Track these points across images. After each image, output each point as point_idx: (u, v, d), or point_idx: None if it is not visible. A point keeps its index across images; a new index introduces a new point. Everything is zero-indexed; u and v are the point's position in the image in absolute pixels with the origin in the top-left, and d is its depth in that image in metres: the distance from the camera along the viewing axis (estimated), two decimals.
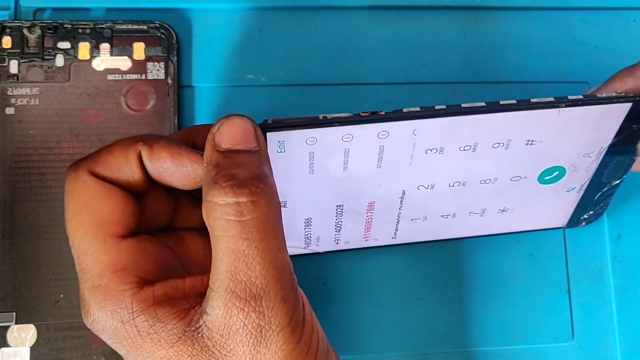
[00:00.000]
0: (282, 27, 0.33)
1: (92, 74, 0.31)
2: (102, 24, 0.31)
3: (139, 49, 0.31)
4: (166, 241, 0.24)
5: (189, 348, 0.21)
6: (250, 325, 0.21)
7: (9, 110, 0.30)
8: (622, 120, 0.26)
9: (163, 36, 0.31)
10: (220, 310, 0.21)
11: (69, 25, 0.30)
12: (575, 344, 0.32)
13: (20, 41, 0.30)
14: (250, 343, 0.21)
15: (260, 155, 0.22)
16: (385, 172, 0.26)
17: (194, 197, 0.26)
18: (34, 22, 0.30)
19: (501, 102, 0.24)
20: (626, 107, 0.26)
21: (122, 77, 0.31)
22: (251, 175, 0.21)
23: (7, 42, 0.30)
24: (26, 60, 0.30)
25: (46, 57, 0.30)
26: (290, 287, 0.22)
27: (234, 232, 0.21)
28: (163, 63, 0.31)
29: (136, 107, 0.30)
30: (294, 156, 0.25)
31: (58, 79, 0.30)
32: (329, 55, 0.33)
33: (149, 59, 0.31)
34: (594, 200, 0.30)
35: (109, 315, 0.22)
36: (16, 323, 0.29)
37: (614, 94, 0.26)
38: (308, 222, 0.28)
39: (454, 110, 0.24)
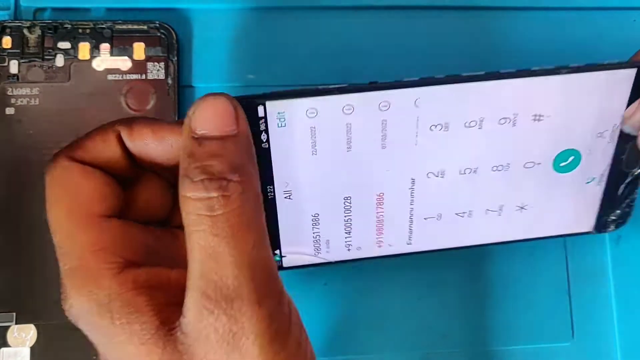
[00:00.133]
0: (282, 27, 0.33)
1: (92, 74, 0.31)
2: (102, 24, 0.31)
3: (139, 49, 0.31)
4: (160, 235, 0.23)
5: (160, 350, 0.19)
6: (222, 329, 0.19)
7: (9, 110, 0.30)
8: (630, 90, 0.25)
9: (163, 36, 0.31)
10: (192, 312, 0.19)
11: (69, 25, 0.30)
12: (575, 344, 0.32)
13: (20, 41, 0.30)
14: (222, 351, 0.19)
15: (238, 140, 0.20)
16: (391, 154, 0.25)
17: None
18: (34, 22, 0.30)
19: (501, 71, 0.24)
20: (631, 74, 0.25)
21: (122, 77, 0.31)
22: (226, 167, 0.20)
23: (7, 42, 0.30)
24: (26, 60, 0.30)
25: (46, 57, 0.30)
26: (269, 290, 0.20)
27: (205, 227, 0.19)
28: (163, 63, 0.31)
29: (136, 107, 0.30)
30: (295, 132, 0.24)
31: (58, 79, 0.30)
32: (329, 55, 0.33)
33: (149, 59, 0.31)
34: (619, 196, 0.28)
35: (85, 298, 0.20)
36: (16, 323, 0.29)
37: (617, 61, 0.25)
38: (316, 220, 0.26)
39: (455, 79, 0.24)
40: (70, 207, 0.21)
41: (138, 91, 0.31)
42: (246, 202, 0.20)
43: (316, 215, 0.26)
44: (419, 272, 0.32)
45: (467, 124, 0.25)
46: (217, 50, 0.32)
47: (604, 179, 0.28)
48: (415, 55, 0.33)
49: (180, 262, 0.22)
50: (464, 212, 0.27)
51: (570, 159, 0.27)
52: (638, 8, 0.35)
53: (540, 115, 0.25)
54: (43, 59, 0.30)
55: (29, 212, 0.29)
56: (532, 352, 0.32)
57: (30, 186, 0.30)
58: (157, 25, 0.31)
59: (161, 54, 0.31)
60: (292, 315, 0.21)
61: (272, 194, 0.25)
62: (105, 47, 0.31)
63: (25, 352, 0.29)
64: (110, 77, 0.31)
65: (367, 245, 0.27)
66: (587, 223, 0.29)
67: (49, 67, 0.30)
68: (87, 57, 0.30)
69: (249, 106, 0.22)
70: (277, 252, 0.26)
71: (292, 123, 0.24)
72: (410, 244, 0.28)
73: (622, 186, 0.28)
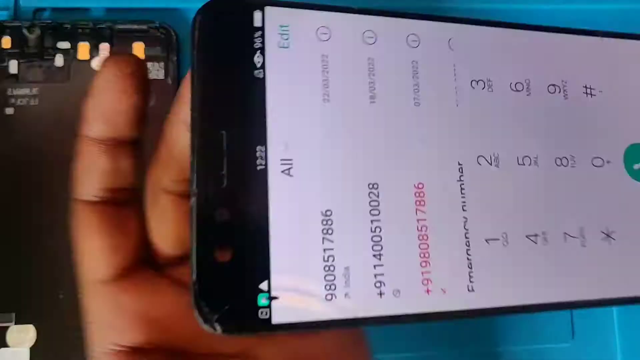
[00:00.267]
0: None
1: (92, 74, 0.30)
2: (102, 24, 0.30)
3: (138, 49, 0.31)
4: None
5: None
6: None
7: (9, 111, 0.30)
8: None
9: (163, 36, 0.31)
10: None
11: (69, 25, 0.30)
12: (576, 344, 0.32)
13: (19, 41, 0.30)
14: None
15: None
16: (428, 116, 0.19)
17: None
18: (34, 22, 0.30)
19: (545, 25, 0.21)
20: None
21: None
22: None
23: (6, 42, 0.30)
24: (26, 60, 0.30)
25: (46, 57, 0.30)
26: None
27: None
28: (163, 63, 0.31)
29: None
30: (302, 59, 0.18)
31: (58, 79, 0.30)
32: None
33: (148, 59, 0.31)
34: None
35: None
36: (16, 323, 0.29)
37: None
38: (327, 225, 0.17)
39: (495, 23, 0.21)
40: None
41: None
42: None
43: (328, 213, 0.17)
44: None
45: (512, 86, 0.20)
46: None
47: None
48: None
49: None
50: (536, 234, 0.20)
51: None
52: (638, 8, 0.35)
53: (591, 88, 0.21)
54: (42, 59, 0.30)
55: (28, 212, 0.29)
56: (532, 352, 0.32)
57: (30, 186, 0.30)
58: (157, 25, 0.31)
59: (161, 54, 0.31)
60: None
61: (264, 162, 0.17)
62: (104, 47, 0.31)
63: (25, 353, 0.29)
64: None
65: (408, 285, 0.18)
66: None
67: (48, 67, 0.30)
68: (87, 57, 0.30)
69: (240, 10, 0.17)
70: (265, 285, 0.16)
71: (298, 44, 0.18)
72: (472, 290, 0.18)
73: None
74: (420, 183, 0.18)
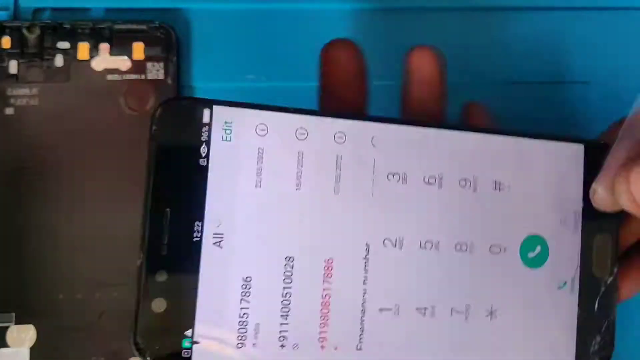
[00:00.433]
0: (282, 27, 0.32)
1: (92, 74, 0.30)
2: (102, 24, 0.30)
3: (138, 49, 0.31)
4: None
5: None
6: None
7: (9, 111, 0.30)
8: (582, 172, 0.24)
9: (163, 36, 0.31)
10: None
11: (69, 25, 0.30)
12: None
13: (19, 41, 0.30)
14: None
15: None
16: (345, 202, 0.22)
17: None
18: (34, 22, 0.30)
19: (459, 124, 0.24)
20: (579, 152, 0.25)
21: (121, 77, 0.31)
22: None
23: (6, 42, 0.30)
24: (25, 60, 0.30)
25: (45, 57, 0.30)
26: None
27: None
28: (163, 63, 0.31)
29: (136, 107, 0.30)
30: (241, 151, 0.21)
31: (57, 79, 0.30)
32: None
33: (148, 59, 0.31)
34: (595, 313, 0.25)
35: None
36: (16, 323, 0.29)
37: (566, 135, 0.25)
38: (246, 288, 0.21)
39: (415, 122, 0.23)
40: None
41: (137, 91, 0.30)
42: None
43: (248, 279, 0.21)
44: None
45: (426, 179, 0.23)
46: (217, 50, 0.32)
47: (576, 284, 0.25)
48: None
49: None
50: (425, 308, 0.23)
51: (538, 249, 0.24)
52: (638, 8, 0.34)
53: (500, 184, 0.24)
54: (42, 59, 0.30)
55: (28, 212, 0.29)
56: None
57: (30, 186, 0.30)
58: (157, 25, 0.31)
59: (161, 54, 0.31)
60: None
61: (199, 235, 0.20)
62: (104, 47, 0.31)
63: (25, 353, 0.29)
64: (109, 77, 0.30)
65: (306, 341, 0.21)
66: (566, 350, 0.24)
67: (48, 67, 0.30)
68: (87, 57, 0.30)
69: (192, 108, 0.20)
70: (189, 332, 0.20)
71: (238, 138, 0.21)
72: (360, 348, 0.22)
73: (598, 299, 0.25)
74: (330, 259, 0.22)
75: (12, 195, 0.30)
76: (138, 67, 0.31)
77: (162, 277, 0.20)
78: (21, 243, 0.29)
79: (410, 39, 0.33)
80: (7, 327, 0.29)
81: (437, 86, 0.25)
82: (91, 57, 0.31)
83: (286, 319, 0.21)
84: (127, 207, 0.30)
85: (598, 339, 0.25)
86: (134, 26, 0.31)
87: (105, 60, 0.31)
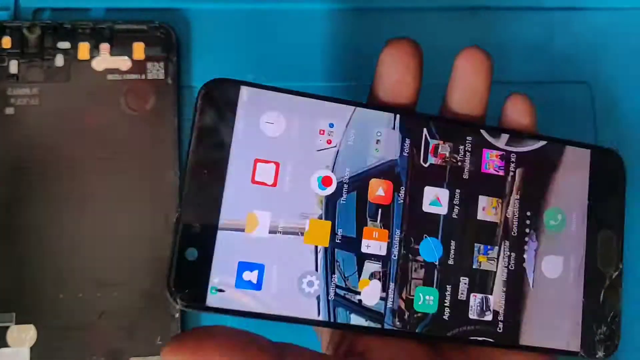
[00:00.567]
0: (282, 27, 0.33)
1: (92, 74, 0.31)
2: (102, 24, 0.31)
3: (138, 49, 0.31)
4: None
5: None
6: None
7: (9, 110, 0.30)
8: (588, 176, 0.26)
9: (163, 36, 0.31)
10: None
11: (69, 25, 0.30)
12: None
13: (20, 41, 0.30)
14: None
15: None
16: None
17: None
18: (34, 22, 0.30)
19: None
20: (586, 156, 0.26)
21: (121, 77, 0.31)
22: None
23: (6, 42, 0.30)
24: (26, 60, 0.30)
25: (46, 57, 0.30)
26: None
27: None
28: (163, 63, 0.31)
29: (136, 107, 0.30)
30: (265, 126, 0.24)
31: (58, 79, 0.30)
32: (329, 55, 0.33)
33: (148, 59, 0.31)
34: (601, 304, 0.26)
35: None
36: (16, 323, 0.29)
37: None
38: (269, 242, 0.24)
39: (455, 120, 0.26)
40: None
41: (138, 91, 0.30)
42: None
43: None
44: None
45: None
46: (217, 50, 0.32)
47: (582, 272, 0.26)
48: None
49: None
50: None
51: (559, 217, 0.26)
52: (638, 8, 0.34)
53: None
54: (43, 59, 0.30)
55: (29, 212, 0.29)
56: None
57: (30, 186, 0.30)
58: (157, 25, 0.31)
59: (161, 54, 0.31)
60: None
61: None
62: (104, 47, 0.31)
63: (25, 352, 0.29)
64: (110, 77, 0.31)
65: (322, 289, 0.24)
66: (573, 336, 0.26)
67: (48, 67, 0.30)
68: (87, 57, 0.30)
69: (230, 88, 0.24)
70: (216, 281, 0.23)
71: (266, 117, 0.24)
72: None
73: (603, 292, 0.26)
74: None
75: (12, 195, 0.30)
76: (138, 67, 0.31)
77: (195, 229, 0.23)
78: (21, 243, 0.29)
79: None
80: (7, 327, 0.29)
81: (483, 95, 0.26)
82: (91, 57, 0.31)
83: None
84: (127, 207, 0.30)
85: (604, 329, 0.26)
86: (134, 26, 0.31)
87: (105, 60, 0.31)
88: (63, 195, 0.30)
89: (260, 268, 0.23)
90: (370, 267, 0.24)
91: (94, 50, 0.31)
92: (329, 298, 0.23)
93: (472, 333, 0.24)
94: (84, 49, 0.30)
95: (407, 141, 0.25)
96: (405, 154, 0.25)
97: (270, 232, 0.23)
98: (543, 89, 0.33)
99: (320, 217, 0.24)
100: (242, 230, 0.23)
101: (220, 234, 0.23)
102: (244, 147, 0.23)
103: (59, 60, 0.30)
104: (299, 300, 0.23)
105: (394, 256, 0.24)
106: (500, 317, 0.25)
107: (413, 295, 0.24)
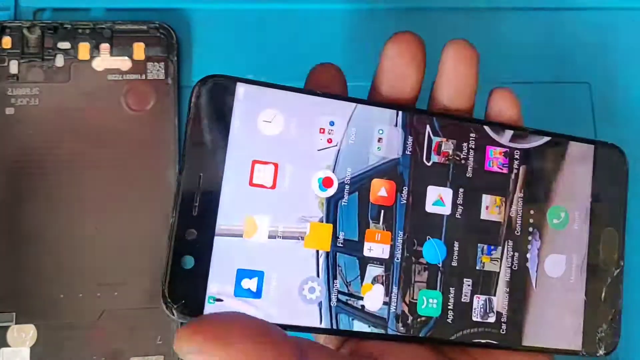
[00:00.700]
0: (282, 27, 0.33)
1: (92, 74, 0.31)
2: (102, 24, 0.31)
3: (138, 49, 0.31)
4: None
5: None
6: None
7: (9, 110, 0.30)
8: (591, 172, 0.26)
9: (163, 36, 0.31)
10: None
11: (69, 26, 0.30)
12: None
13: (20, 41, 0.30)
14: None
15: None
16: None
17: None
18: (34, 22, 0.30)
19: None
20: (590, 152, 0.26)
21: (122, 77, 0.31)
22: None
23: (7, 42, 0.30)
24: (26, 60, 0.30)
25: (46, 57, 0.30)
26: None
27: None
28: (163, 63, 0.31)
29: (136, 107, 0.30)
30: (261, 125, 0.23)
31: (58, 79, 0.30)
32: (329, 55, 0.33)
33: (149, 59, 0.31)
34: (602, 302, 0.26)
35: None
36: (16, 323, 0.29)
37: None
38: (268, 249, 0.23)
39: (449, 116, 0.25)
40: None
41: (138, 91, 0.31)
42: None
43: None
44: None
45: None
46: (217, 50, 0.32)
47: (584, 269, 0.26)
48: None
49: None
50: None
51: (562, 215, 0.26)
52: (638, 8, 0.34)
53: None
54: (43, 59, 0.30)
55: (29, 212, 0.29)
56: None
57: (30, 186, 0.30)
58: (157, 25, 0.31)
59: (161, 54, 0.31)
60: None
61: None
62: (105, 47, 0.31)
63: (25, 352, 0.29)
64: (110, 77, 0.31)
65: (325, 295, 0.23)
66: (574, 334, 0.26)
67: (48, 67, 0.30)
68: (87, 57, 0.30)
69: (224, 85, 0.23)
70: (214, 290, 0.22)
71: (262, 114, 0.23)
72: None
73: (605, 289, 0.26)
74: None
75: (12, 195, 0.30)
76: (138, 67, 0.31)
77: (191, 235, 0.22)
78: (22, 243, 0.29)
79: None
80: (7, 327, 0.29)
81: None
82: (92, 57, 0.31)
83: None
84: (128, 207, 0.30)
85: (605, 327, 0.26)
86: (135, 26, 0.31)
87: (105, 60, 0.31)
88: (63, 195, 0.30)
89: (259, 275, 0.22)
90: (373, 271, 0.23)
91: (94, 50, 0.31)
92: (331, 304, 0.23)
93: (475, 336, 0.24)
94: (84, 49, 0.31)
95: (410, 139, 0.24)
96: (408, 153, 0.24)
97: (269, 237, 0.22)
98: (543, 89, 0.33)
99: (321, 220, 0.23)
100: (240, 235, 0.22)
101: (217, 240, 0.22)
102: (240, 147, 0.22)
103: (59, 61, 0.30)
104: (300, 307, 0.22)
105: (397, 259, 0.24)
106: (504, 319, 0.24)
107: (416, 299, 0.23)
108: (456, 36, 0.33)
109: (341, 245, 0.23)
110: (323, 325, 0.23)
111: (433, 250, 0.24)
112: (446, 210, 0.24)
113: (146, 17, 0.31)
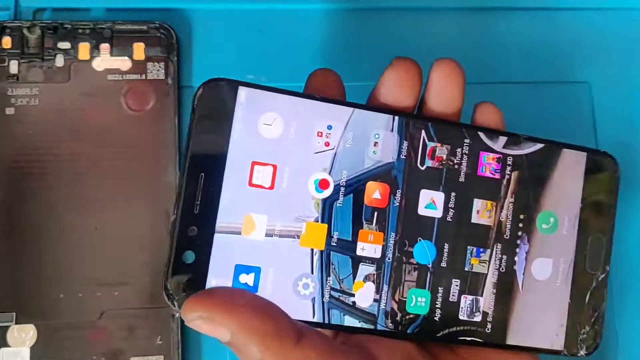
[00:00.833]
0: (282, 27, 0.33)
1: (92, 74, 0.31)
2: (102, 24, 0.31)
3: (138, 49, 0.31)
4: None
5: None
6: None
7: (9, 111, 0.30)
8: (583, 179, 0.26)
9: (163, 36, 0.31)
10: None
11: (69, 26, 0.30)
12: None
13: (20, 41, 0.30)
14: None
15: None
16: None
17: None
18: (34, 22, 0.30)
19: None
20: (582, 159, 0.26)
21: (122, 77, 0.31)
22: None
23: (7, 42, 0.30)
24: (26, 60, 0.30)
25: (46, 57, 0.30)
26: None
27: None
28: (163, 63, 0.31)
29: (136, 107, 0.30)
30: (263, 127, 0.24)
31: (58, 79, 0.30)
32: (329, 55, 0.33)
33: (149, 59, 0.31)
34: (586, 305, 0.26)
35: None
36: (16, 323, 0.29)
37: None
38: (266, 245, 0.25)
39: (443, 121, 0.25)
40: None
41: (138, 91, 0.31)
42: None
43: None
44: None
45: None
46: (217, 50, 0.32)
47: (569, 274, 0.26)
48: (415, 56, 0.33)
49: None
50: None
51: (551, 220, 0.26)
52: (638, 8, 0.35)
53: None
54: (43, 59, 0.30)
55: (29, 212, 0.29)
56: None
57: (30, 186, 0.30)
58: (157, 25, 0.31)
59: (161, 54, 0.31)
60: None
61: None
62: (105, 47, 0.31)
63: (25, 352, 0.29)
64: (110, 77, 0.31)
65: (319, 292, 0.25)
66: (556, 334, 0.26)
67: (48, 67, 0.30)
68: (87, 57, 0.30)
69: (226, 88, 0.24)
70: (213, 283, 0.23)
71: (264, 118, 0.24)
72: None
73: (589, 293, 0.27)
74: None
75: (12, 195, 0.30)
76: (138, 67, 0.31)
77: (192, 232, 0.23)
78: (21, 243, 0.29)
79: (410, 39, 0.33)
80: (7, 327, 0.29)
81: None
82: (92, 57, 0.31)
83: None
84: (128, 207, 0.30)
85: (587, 328, 0.27)
86: (135, 26, 0.31)
87: (105, 60, 0.31)
88: (63, 195, 0.30)
89: (256, 271, 0.23)
90: (365, 269, 0.24)
91: (94, 50, 0.31)
92: (324, 300, 0.24)
93: (461, 333, 0.25)
94: (84, 49, 0.31)
95: (405, 143, 0.25)
96: (403, 157, 0.25)
97: (266, 235, 0.23)
98: (543, 89, 0.33)
99: (316, 220, 0.24)
100: (239, 233, 0.23)
101: (217, 237, 0.23)
102: (241, 149, 0.23)
103: (59, 61, 0.30)
104: (294, 302, 0.23)
105: (388, 259, 0.24)
106: (489, 318, 0.25)
107: (406, 297, 0.24)
108: (456, 36, 0.33)
109: (335, 245, 0.24)
110: (316, 320, 0.24)
111: (423, 251, 0.25)
112: (438, 213, 0.25)
113: (146, 17, 0.31)
